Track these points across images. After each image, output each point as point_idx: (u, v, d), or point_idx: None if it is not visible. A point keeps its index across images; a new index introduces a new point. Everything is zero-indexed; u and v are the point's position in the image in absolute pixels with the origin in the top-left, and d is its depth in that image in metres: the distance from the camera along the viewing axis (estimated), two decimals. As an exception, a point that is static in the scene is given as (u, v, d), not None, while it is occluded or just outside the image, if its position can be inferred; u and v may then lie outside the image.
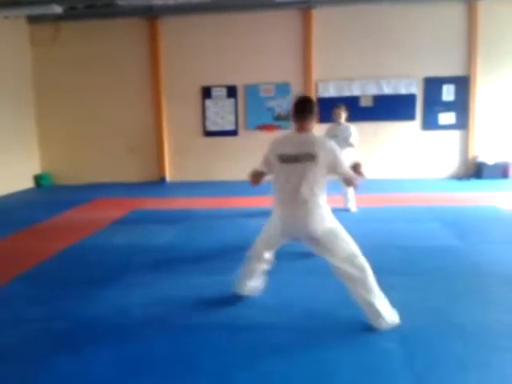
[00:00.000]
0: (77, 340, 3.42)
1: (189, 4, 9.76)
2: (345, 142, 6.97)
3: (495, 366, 2.94)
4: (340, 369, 2.96)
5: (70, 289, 4.48)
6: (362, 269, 3.41)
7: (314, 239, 3.49)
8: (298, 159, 3.43)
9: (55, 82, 11.34)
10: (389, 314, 3.44)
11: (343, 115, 7.26)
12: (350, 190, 7.11)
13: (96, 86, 11.28)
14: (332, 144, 3.50)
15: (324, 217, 3.49)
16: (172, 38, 10.94)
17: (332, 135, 7.06)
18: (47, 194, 10.48)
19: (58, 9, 8.21)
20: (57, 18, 10.43)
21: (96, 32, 11.10)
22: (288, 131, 10.69)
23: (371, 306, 3.40)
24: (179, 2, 8.93)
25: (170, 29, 10.91)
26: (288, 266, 4.84)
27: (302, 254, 5.01)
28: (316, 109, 3.62)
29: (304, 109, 3.56)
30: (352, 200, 7.30)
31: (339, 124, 7.28)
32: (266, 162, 3.70)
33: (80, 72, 11.25)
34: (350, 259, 3.43)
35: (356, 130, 7.20)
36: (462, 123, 10.56)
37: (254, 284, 4.01)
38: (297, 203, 3.46)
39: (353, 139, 7.10)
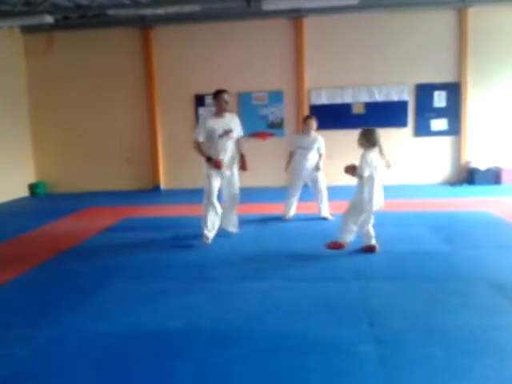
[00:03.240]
0: (60, 345, 3.45)
1: (180, 13, 9.85)
2: (316, 152, 7.24)
3: (472, 370, 2.92)
4: (311, 372, 2.97)
5: (54, 295, 4.50)
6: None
7: None
8: None
9: (50, 91, 11.40)
10: None
11: (314, 126, 7.29)
12: (325, 197, 7.30)
13: (90, 96, 11.34)
14: None
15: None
16: (165, 47, 11.02)
17: (300, 146, 7.29)
18: (41, 203, 10.51)
19: (49, 19, 8.27)
20: (51, 27, 10.48)
21: (90, 42, 11.17)
22: (281, 138, 10.81)
23: None
24: (169, 11, 9.01)
25: (162, 38, 10.99)
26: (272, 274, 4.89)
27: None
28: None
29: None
30: (326, 207, 7.35)
31: (309, 135, 7.29)
32: None
33: (74, 82, 11.32)
34: None
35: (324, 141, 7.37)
36: (454, 129, 10.61)
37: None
38: None
39: (323, 150, 7.29)
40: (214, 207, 6.04)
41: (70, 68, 11.29)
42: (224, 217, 6.31)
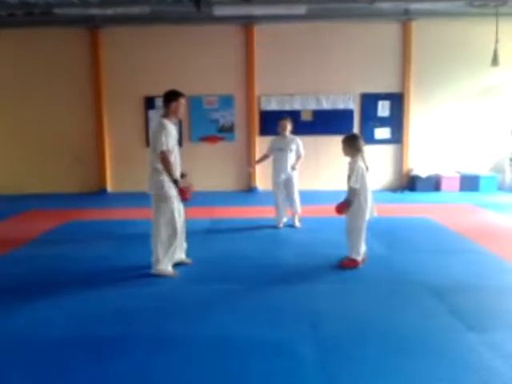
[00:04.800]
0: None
1: (130, 15, 9.74)
2: (294, 154, 7.10)
3: (408, 370, 3.05)
4: (252, 374, 3.02)
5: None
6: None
7: None
8: None
9: (-8, 89, 11.00)
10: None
11: (289, 127, 7.13)
12: (297, 204, 7.18)
13: (36, 95, 11.00)
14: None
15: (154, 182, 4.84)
16: (114, 48, 10.84)
17: (277, 148, 7.12)
18: (-20, 205, 10.08)
19: (-8, 15, 8.00)
20: (-5, 24, 10.14)
21: (36, 40, 10.84)
22: (232, 142, 10.90)
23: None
24: (118, 12, 8.89)
25: (111, 39, 10.80)
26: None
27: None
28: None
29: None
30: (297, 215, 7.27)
31: (284, 137, 7.14)
32: None
33: (19, 80, 10.96)
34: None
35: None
36: (397, 138, 11.01)
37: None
38: None
39: (302, 151, 7.17)
40: (177, 237, 5.06)
41: (14, 66, 10.92)
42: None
